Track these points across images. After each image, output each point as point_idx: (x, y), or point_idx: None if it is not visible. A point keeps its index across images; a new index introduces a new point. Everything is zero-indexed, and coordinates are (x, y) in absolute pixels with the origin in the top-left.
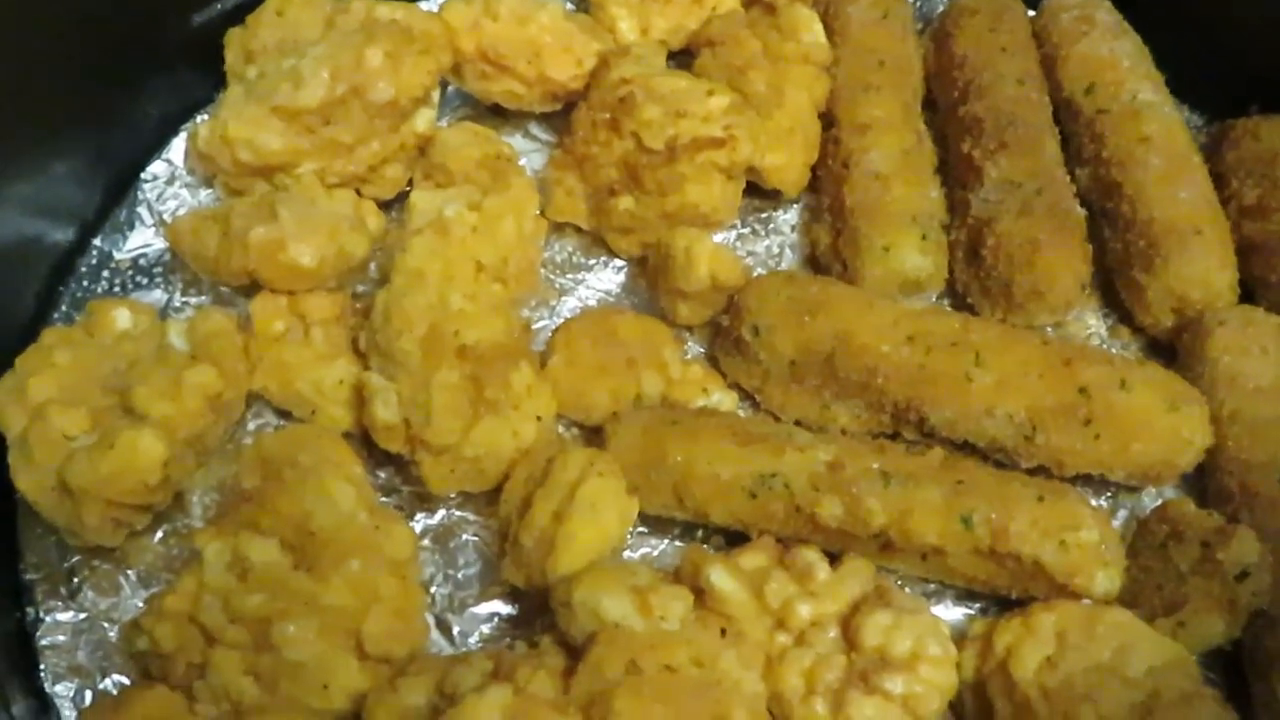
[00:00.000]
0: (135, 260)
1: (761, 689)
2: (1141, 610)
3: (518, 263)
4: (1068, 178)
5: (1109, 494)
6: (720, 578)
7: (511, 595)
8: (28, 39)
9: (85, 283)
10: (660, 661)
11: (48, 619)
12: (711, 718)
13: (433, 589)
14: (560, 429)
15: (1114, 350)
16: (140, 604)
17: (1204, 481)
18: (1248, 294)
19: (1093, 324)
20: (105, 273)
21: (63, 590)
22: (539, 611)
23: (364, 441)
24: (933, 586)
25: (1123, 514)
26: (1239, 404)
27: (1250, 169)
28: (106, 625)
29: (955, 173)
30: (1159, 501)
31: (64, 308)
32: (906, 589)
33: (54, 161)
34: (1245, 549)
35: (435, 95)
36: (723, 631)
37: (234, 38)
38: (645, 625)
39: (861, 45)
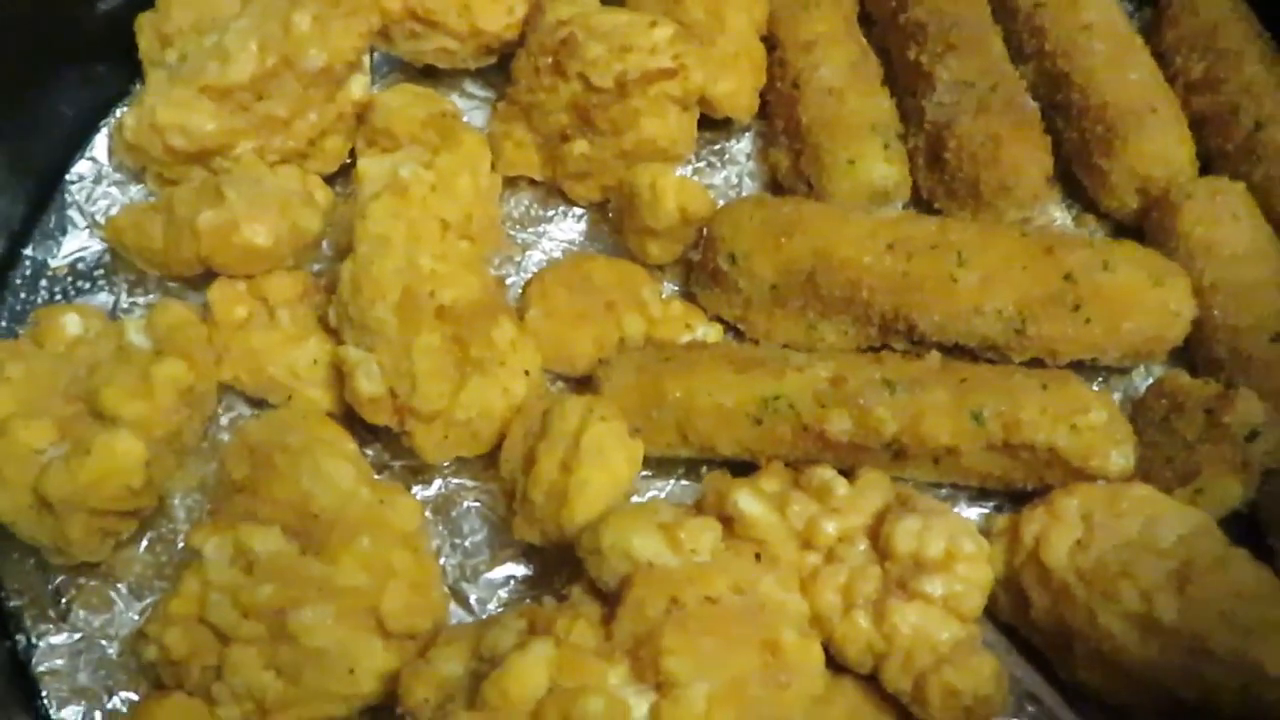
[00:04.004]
0: (73, 265)
1: (805, 608)
2: (1155, 485)
3: (479, 219)
4: (1016, 74)
5: (1100, 379)
6: (748, 502)
7: (525, 555)
8: None
9: (23, 295)
10: (701, 594)
11: (41, 644)
12: (762, 642)
13: (441, 560)
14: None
15: None
16: (136, 617)
17: (1190, 355)
18: (1204, 169)
19: (1057, 216)
20: (43, 282)
21: (51, 613)
22: (557, 566)
23: (346, 420)
24: (944, 491)
25: (1116, 396)
26: (1219, 273)
27: (1192, 44)
28: (105, 643)
29: (903, 81)
30: (1149, 381)
31: (3, 323)
32: None
33: None
34: (1250, 409)
35: (366, 60)
36: (757, 556)
37: (146, 22)
38: (679, 560)
39: None
